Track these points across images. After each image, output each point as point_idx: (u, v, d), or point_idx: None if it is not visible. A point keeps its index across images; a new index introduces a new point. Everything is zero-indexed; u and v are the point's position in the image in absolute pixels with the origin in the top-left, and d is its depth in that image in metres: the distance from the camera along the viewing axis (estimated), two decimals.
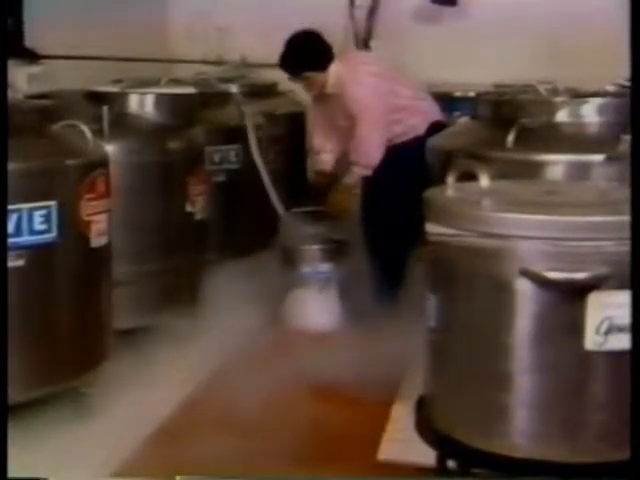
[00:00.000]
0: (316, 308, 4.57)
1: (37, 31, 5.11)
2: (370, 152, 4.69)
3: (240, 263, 4.85)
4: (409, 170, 4.48)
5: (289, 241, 4.69)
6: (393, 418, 3.26)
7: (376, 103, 4.73)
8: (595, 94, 3.89)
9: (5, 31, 2.38)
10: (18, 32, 4.95)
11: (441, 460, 2.44)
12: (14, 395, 3.15)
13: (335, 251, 4.65)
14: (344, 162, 4.95)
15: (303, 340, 4.24)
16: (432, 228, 2.38)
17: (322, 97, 4.96)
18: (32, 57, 4.99)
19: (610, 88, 4.19)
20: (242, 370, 3.84)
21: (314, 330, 4.41)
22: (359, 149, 4.72)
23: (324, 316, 4.53)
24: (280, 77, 5.76)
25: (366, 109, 4.69)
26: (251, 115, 5.26)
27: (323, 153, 5.10)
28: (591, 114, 3.69)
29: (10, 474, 2.92)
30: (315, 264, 4.59)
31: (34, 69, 4.82)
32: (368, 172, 4.71)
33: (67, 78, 4.79)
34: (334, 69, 4.82)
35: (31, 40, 5.08)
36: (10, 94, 3.73)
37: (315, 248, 4.63)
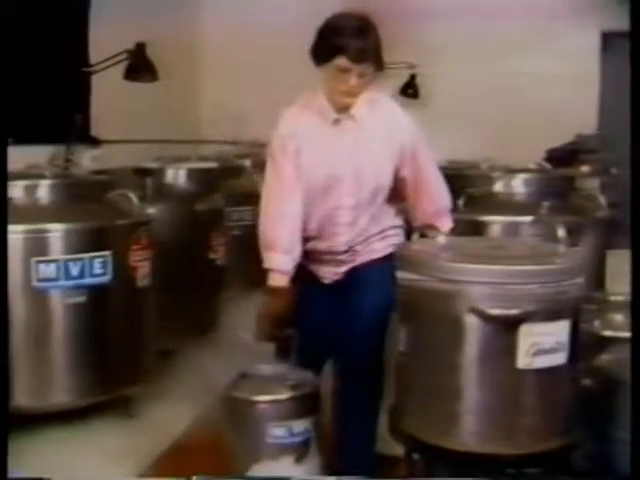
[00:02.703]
0: None
1: (100, 123, 5.22)
2: None
3: (252, 299, 4.82)
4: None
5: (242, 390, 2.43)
6: None
7: None
8: (522, 170, 3.94)
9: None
10: (86, 125, 5.01)
11: (408, 454, 2.44)
12: (79, 400, 3.27)
13: (312, 399, 2.45)
14: (313, 261, 2.71)
15: None
16: (402, 274, 2.38)
17: (321, 133, 2.60)
18: (95, 143, 5.04)
19: (532, 166, 4.24)
20: None
21: None
22: (442, 190, 2.77)
23: None
24: None
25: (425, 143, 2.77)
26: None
27: (278, 252, 2.61)
28: (519, 186, 3.74)
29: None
30: (287, 422, 2.37)
31: (96, 152, 4.87)
32: None
33: (120, 157, 4.84)
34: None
35: (95, 129, 5.18)
36: (78, 171, 3.77)
37: (285, 397, 2.39)
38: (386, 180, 2.66)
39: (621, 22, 6.92)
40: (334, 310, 2.69)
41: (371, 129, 2.63)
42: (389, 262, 2.52)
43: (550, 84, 6.68)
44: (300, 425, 2.35)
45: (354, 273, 2.71)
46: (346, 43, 2.46)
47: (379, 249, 2.73)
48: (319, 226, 2.67)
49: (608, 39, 7.04)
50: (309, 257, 2.73)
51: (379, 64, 2.54)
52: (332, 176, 2.60)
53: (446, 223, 2.76)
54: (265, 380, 2.40)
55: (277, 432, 2.33)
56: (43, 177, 3.36)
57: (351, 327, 2.64)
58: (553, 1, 6.79)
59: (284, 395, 2.36)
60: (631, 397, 1.99)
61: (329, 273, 2.75)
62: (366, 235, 2.69)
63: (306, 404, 2.39)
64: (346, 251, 2.68)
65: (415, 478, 2.40)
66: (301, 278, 2.66)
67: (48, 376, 3.22)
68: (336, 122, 2.61)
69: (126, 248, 3.34)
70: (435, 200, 2.76)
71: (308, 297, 2.68)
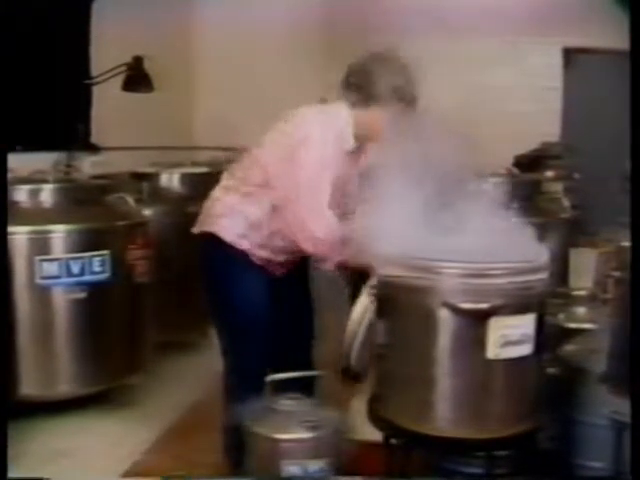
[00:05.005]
0: None
1: (100, 131, 5.21)
2: None
3: None
4: None
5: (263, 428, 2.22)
6: (353, 409, 3.22)
7: None
8: (492, 175, 3.94)
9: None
10: (87, 133, 5.01)
11: (386, 439, 2.43)
12: (81, 389, 3.27)
13: (331, 441, 2.27)
14: None
15: None
16: (380, 271, 2.34)
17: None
18: (95, 149, 5.02)
19: (502, 171, 4.24)
20: None
21: None
22: None
23: None
24: None
25: None
26: None
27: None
28: (490, 189, 3.73)
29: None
30: (303, 461, 2.19)
31: (96, 158, 4.84)
32: None
33: (118, 163, 4.81)
34: None
35: (95, 137, 5.16)
36: (79, 176, 3.75)
37: (303, 437, 2.22)
38: None
39: (581, 40, 7.03)
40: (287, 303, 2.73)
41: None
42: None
43: (518, 96, 6.86)
44: (315, 465, 2.19)
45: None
46: (404, 91, 2.35)
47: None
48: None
49: (570, 55, 7.13)
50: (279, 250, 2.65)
51: None
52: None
53: None
54: (286, 417, 2.24)
55: (292, 469, 2.18)
56: (46, 182, 3.34)
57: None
58: (519, 21, 6.87)
59: (303, 435, 2.20)
60: (631, 397, 1.96)
61: (281, 267, 2.69)
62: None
63: (324, 445, 2.22)
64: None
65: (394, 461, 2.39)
66: (257, 267, 2.65)
67: (52, 367, 3.21)
68: (350, 152, 2.48)
69: (124, 248, 3.33)
70: None
71: (261, 285, 2.65)
